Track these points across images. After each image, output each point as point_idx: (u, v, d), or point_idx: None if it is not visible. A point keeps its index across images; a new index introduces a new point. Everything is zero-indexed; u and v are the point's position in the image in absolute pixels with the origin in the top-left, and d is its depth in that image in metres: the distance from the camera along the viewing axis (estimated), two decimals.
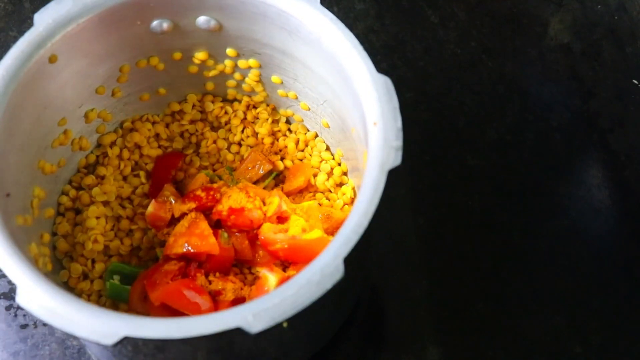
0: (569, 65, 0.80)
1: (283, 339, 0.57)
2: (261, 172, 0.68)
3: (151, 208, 0.64)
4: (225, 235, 0.62)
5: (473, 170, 0.74)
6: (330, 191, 0.67)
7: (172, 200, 0.64)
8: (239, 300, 0.60)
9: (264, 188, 0.67)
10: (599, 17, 0.83)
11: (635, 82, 0.79)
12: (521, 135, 0.76)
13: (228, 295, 0.60)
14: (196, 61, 0.66)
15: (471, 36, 0.82)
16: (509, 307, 0.68)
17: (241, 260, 0.63)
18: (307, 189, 0.68)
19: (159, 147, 0.70)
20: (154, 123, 0.70)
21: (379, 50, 0.81)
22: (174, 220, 0.64)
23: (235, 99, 0.71)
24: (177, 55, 0.66)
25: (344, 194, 0.66)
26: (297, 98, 0.68)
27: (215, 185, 0.65)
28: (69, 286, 0.63)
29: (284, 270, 0.62)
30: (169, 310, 0.59)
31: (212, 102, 0.71)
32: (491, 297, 0.69)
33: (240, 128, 0.70)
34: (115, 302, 0.63)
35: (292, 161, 0.70)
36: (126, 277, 0.63)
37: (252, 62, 0.66)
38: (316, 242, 0.59)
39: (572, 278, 0.70)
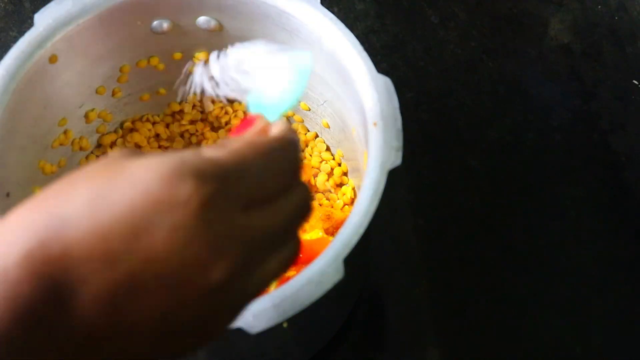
0: (569, 66, 0.80)
1: (283, 339, 0.57)
2: None
3: None
4: None
5: (473, 171, 0.74)
6: (331, 191, 0.67)
7: None
8: None
9: None
10: (599, 17, 0.83)
11: (636, 82, 0.79)
12: (521, 135, 0.76)
13: None
14: (196, 61, 0.66)
15: (471, 36, 0.82)
16: (509, 307, 0.68)
17: None
18: None
19: (159, 147, 0.70)
20: (154, 123, 0.70)
21: (379, 50, 0.81)
22: None
23: (235, 99, 0.71)
24: (177, 55, 0.66)
25: (344, 194, 0.66)
26: None
27: None
28: None
29: None
30: None
31: (212, 102, 0.71)
32: (491, 297, 0.69)
33: None
34: None
35: None
36: None
37: None
38: (316, 242, 0.59)
39: (572, 278, 0.69)
